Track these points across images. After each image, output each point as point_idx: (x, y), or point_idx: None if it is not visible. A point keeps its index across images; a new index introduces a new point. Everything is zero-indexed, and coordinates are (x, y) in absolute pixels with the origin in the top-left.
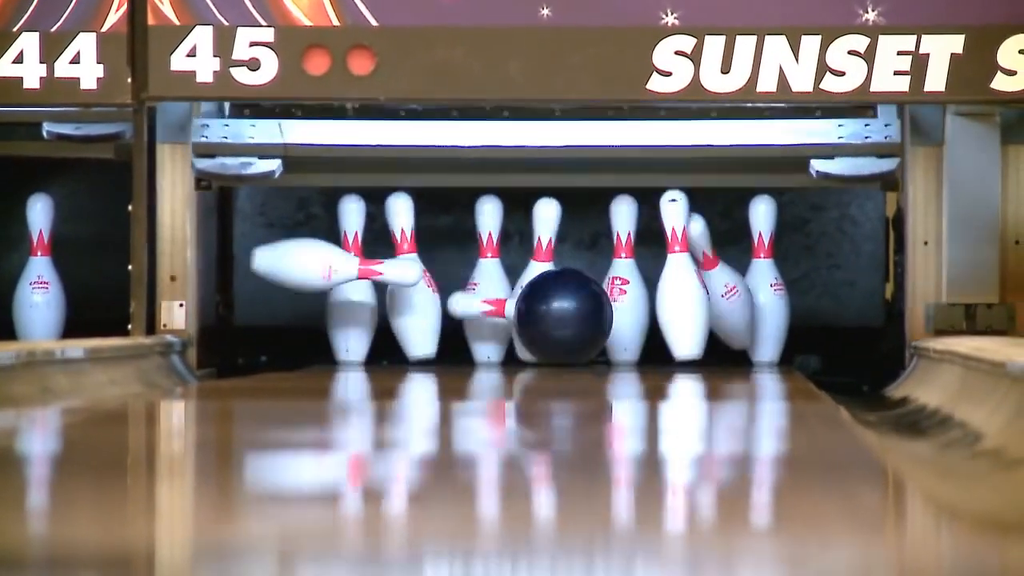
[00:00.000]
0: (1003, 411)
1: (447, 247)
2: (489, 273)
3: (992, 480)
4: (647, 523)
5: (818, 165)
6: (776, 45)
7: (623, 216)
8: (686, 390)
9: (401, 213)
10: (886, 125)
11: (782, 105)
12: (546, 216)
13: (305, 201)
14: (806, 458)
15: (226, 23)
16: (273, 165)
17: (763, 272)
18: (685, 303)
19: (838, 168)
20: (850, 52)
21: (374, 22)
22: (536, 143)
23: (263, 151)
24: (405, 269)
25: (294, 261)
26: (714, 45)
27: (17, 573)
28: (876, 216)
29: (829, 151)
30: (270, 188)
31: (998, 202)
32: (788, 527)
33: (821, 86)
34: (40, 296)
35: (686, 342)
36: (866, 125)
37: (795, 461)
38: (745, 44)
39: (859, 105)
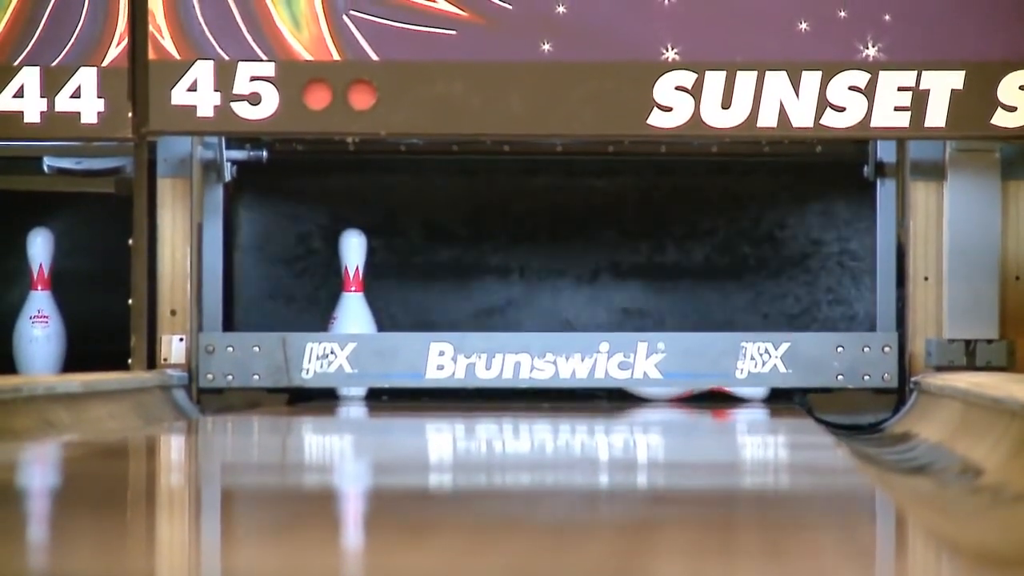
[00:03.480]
0: (1003, 447)
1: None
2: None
3: (993, 515)
4: (642, 558)
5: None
6: (777, 80)
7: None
8: (683, 424)
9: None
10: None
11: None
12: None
13: (305, 236)
14: (806, 493)
15: (227, 57)
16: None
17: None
18: None
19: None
20: (850, 88)
21: (375, 56)
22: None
23: None
24: None
25: None
26: (715, 80)
27: None
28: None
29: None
30: (271, 222)
31: (998, 238)
32: (788, 562)
33: (821, 122)
34: (40, 330)
35: None
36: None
37: (795, 496)
38: (746, 79)
39: (860, 137)
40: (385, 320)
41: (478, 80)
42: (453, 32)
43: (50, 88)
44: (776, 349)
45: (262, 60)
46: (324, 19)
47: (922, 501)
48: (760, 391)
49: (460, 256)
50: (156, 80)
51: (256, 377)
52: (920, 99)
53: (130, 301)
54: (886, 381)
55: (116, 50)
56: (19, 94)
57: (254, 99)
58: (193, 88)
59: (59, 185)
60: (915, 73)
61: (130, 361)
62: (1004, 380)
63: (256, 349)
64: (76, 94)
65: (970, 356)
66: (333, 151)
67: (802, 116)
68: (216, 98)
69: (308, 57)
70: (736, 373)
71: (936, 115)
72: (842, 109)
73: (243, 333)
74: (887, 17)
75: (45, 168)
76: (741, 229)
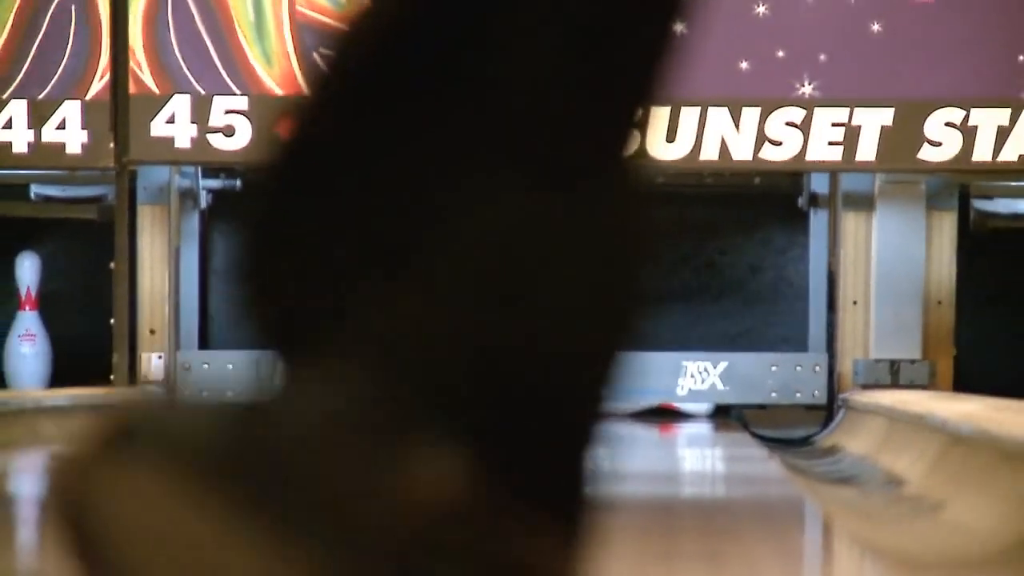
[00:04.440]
0: (924, 460)
1: None
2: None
3: (913, 523)
4: (587, 563)
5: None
6: (719, 116)
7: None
8: (627, 437)
9: None
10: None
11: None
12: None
13: None
14: (741, 502)
15: (203, 92)
16: None
17: None
18: None
19: None
20: (787, 123)
21: None
22: None
23: None
24: None
25: None
26: (660, 116)
27: None
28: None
29: None
30: None
31: (923, 265)
32: (724, 564)
33: (760, 155)
34: (28, 348)
35: None
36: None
37: (730, 505)
38: (690, 115)
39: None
40: None
41: None
42: None
43: (37, 120)
44: (715, 368)
45: (236, 94)
46: (295, 56)
47: (848, 509)
48: (705, 407)
49: None
50: (136, 113)
51: (230, 393)
52: (852, 134)
53: (112, 321)
54: (816, 398)
55: (99, 84)
56: (8, 126)
57: (229, 131)
58: (171, 120)
59: (45, 211)
60: (848, 110)
61: (112, 377)
62: (926, 398)
63: (230, 367)
64: (61, 126)
65: (894, 375)
66: None
67: (742, 149)
68: (193, 130)
69: (279, 92)
70: (677, 390)
71: (867, 149)
72: (779, 143)
73: (218, 351)
74: (822, 57)
75: (32, 195)
76: (684, 255)
